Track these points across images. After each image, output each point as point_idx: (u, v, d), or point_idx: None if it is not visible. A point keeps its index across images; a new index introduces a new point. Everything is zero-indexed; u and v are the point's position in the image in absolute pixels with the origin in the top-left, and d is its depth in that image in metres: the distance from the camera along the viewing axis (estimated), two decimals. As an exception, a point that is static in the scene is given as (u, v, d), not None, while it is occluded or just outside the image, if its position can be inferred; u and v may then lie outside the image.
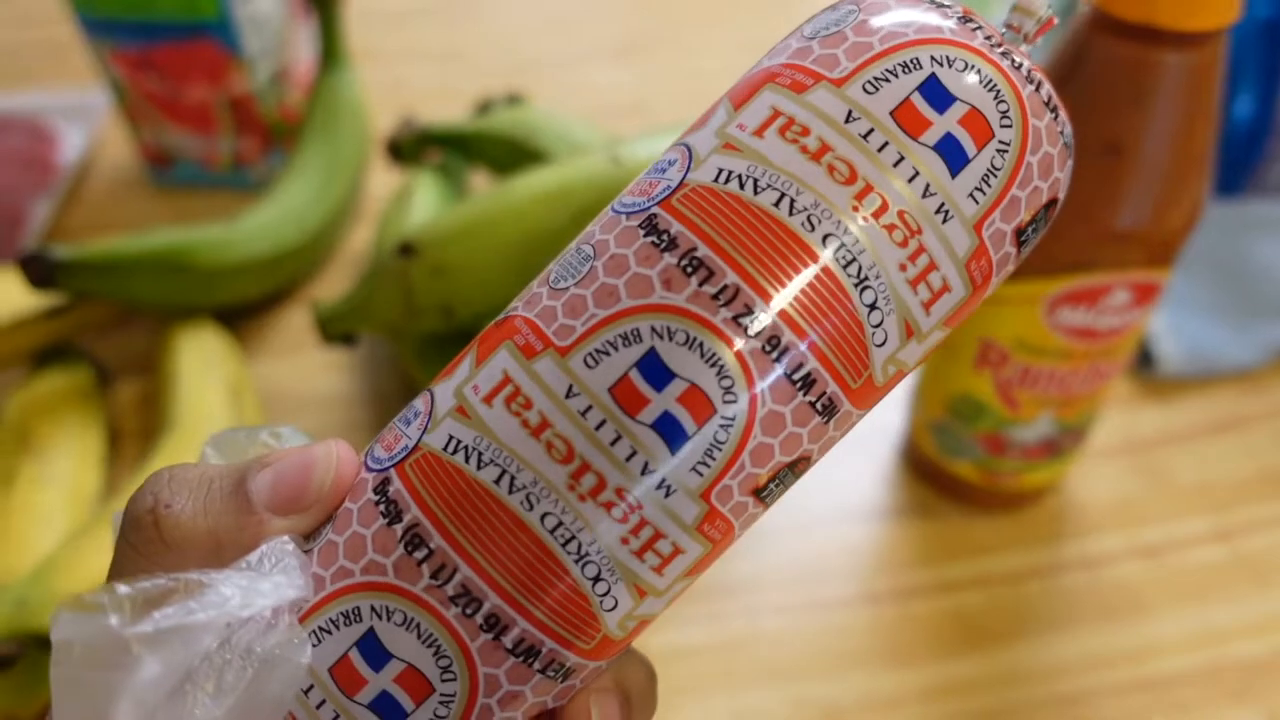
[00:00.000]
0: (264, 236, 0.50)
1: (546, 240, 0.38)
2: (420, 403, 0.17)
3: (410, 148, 0.55)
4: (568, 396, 0.15)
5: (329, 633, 0.16)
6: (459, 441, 0.16)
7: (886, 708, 0.36)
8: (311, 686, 0.16)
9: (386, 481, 0.16)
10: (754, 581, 0.40)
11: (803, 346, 0.16)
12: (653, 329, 0.15)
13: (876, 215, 0.16)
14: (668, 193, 0.16)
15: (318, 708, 0.16)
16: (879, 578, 0.40)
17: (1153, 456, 0.45)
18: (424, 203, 0.51)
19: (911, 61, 0.16)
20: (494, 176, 0.54)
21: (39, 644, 0.32)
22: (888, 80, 0.16)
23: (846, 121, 0.16)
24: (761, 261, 0.15)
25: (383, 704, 0.16)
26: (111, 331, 0.51)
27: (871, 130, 0.16)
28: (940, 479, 0.42)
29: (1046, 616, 0.39)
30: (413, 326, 0.39)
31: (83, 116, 0.67)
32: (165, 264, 0.44)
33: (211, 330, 0.47)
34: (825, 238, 0.16)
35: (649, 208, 0.16)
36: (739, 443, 0.16)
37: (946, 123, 0.16)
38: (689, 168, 0.16)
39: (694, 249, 0.16)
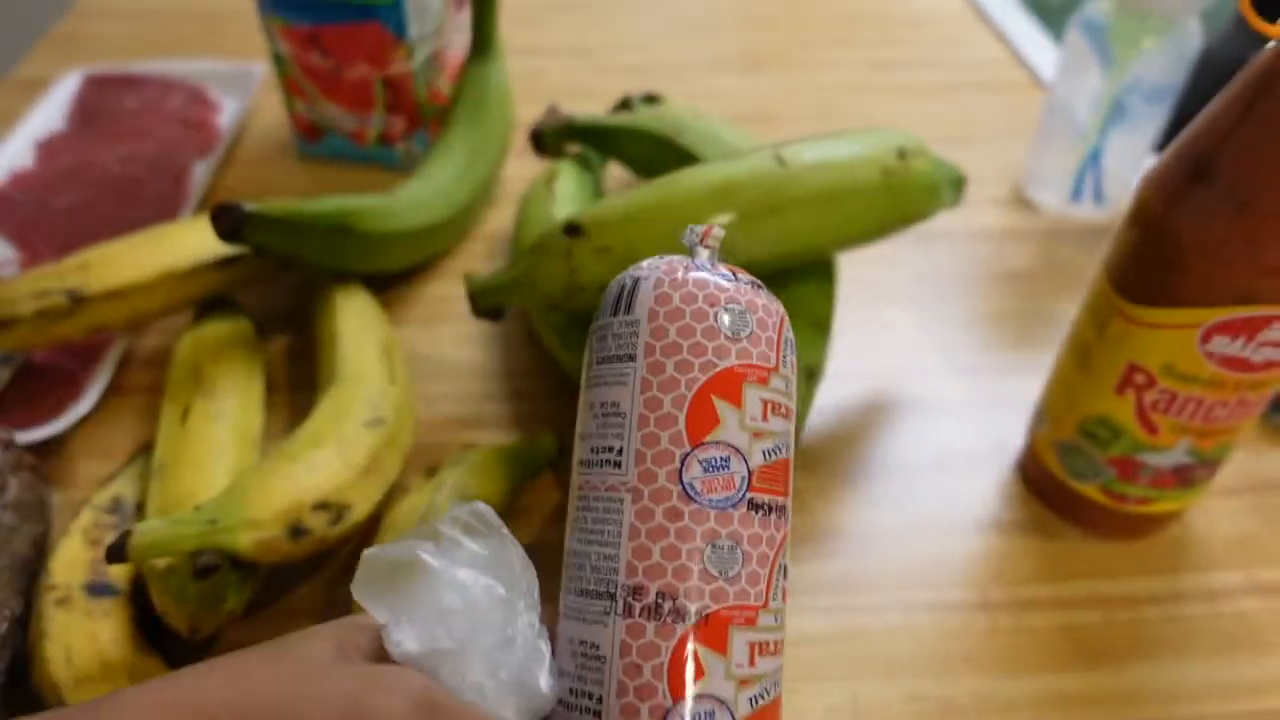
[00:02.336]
0: (418, 209, 0.52)
1: (706, 232, 0.39)
2: (701, 709, 0.22)
3: (552, 138, 0.57)
4: (777, 620, 0.25)
5: None
6: (755, 696, 0.23)
7: (999, 711, 0.37)
8: None
9: None
10: (875, 580, 0.41)
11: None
12: (783, 554, 0.25)
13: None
14: (746, 483, 0.24)
15: None
16: (995, 588, 0.41)
17: (1277, 499, 0.45)
18: (566, 191, 0.54)
19: (788, 339, 0.26)
20: (631, 172, 0.56)
21: (232, 562, 0.34)
22: (787, 353, 0.26)
23: (786, 387, 0.26)
24: (789, 483, 0.26)
25: None
26: (261, 287, 0.55)
27: (789, 383, 0.26)
28: (1062, 499, 0.43)
29: (1163, 642, 0.39)
30: (570, 304, 0.41)
31: (239, 86, 0.71)
32: (335, 226, 0.47)
33: (365, 294, 0.50)
34: (794, 445, 0.26)
35: (744, 496, 0.24)
36: None
37: (794, 355, 0.27)
38: (747, 461, 0.24)
39: (775, 503, 0.25)
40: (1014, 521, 0.44)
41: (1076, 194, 0.61)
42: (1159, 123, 0.59)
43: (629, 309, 0.25)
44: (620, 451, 0.24)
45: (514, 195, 0.63)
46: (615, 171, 0.65)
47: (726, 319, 0.24)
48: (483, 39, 0.62)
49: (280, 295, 0.54)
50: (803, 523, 0.44)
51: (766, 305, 0.25)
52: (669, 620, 0.22)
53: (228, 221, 0.44)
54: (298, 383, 0.50)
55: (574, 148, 0.58)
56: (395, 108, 0.62)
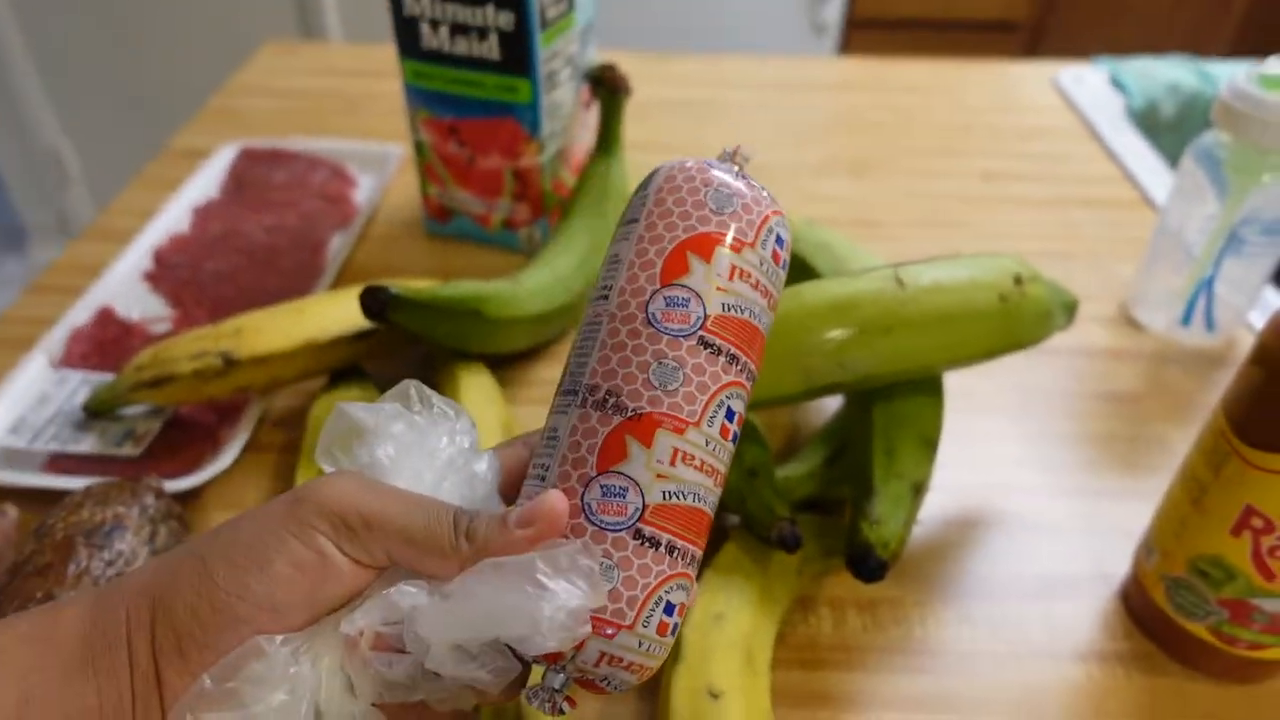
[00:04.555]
0: (539, 296, 0.55)
1: (824, 344, 0.41)
2: (615, 483, 0.27)
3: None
4: (708, 445, 0.28)
5: (651, 614, 0.26)
6: (669, 491, 0.27)
7: None
8: (644, 644, 0.27)
9: (638, 531, 0.27)
10: (970, 703, 0.41)
11: (756, 371, 0.30)
12: (726, 395, 0.28)
13: (772, 307, 0.30)
14: (701, 322, 0.28)
15: (648, 650, 0.27)
16: (1096, 722, 0.40)
17: (1399, 654, 0.43)
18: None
19: (772, 231, 0.30)
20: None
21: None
22: (768, 240, 0.30)
23: (761, 266, 0.29)
24: (751, 347, 0.29)
25: (674, 629, 0.27)
26: (388, 358, 0.58)
27: (768, 268, 0.30)
28: (1169, 635, 0.42)
29: (1277, 798, 0.38)
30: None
31: (375, 165, 0.77)
32: (466, 310, 0.50)
33: (486, 373, 0.53)
34: (764, 324, 0.30)
35: (697, 332, 0.28)
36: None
37: (785, 256, 0.31)
38: (705, 305, 0.28)
39: (728, 350, 0.28)
40: (1116, 653, 0.43)
41: (1186, 319, 0.61)
42: (1276, 254, 0.58)
43: (644, 188, 0.30)
44: (610, 289, 0.29)
45: (625, 284, 0.66)
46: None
47: (713, 195, 0.29)
48: (608, 137, 0.65)
49: (405, 367, 0.58)
50: (897, 636, 0.44)
51: (757, 199, 0.30)
52: (610, 412, 0.27)
53: (375, 302, 0.47)
54: (415, 452, 0.53)
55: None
56: (521, 196, 0.66)
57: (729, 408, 0.28)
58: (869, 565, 0.39)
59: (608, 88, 0.65)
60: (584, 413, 0.27)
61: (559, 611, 0.24)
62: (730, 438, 0.28)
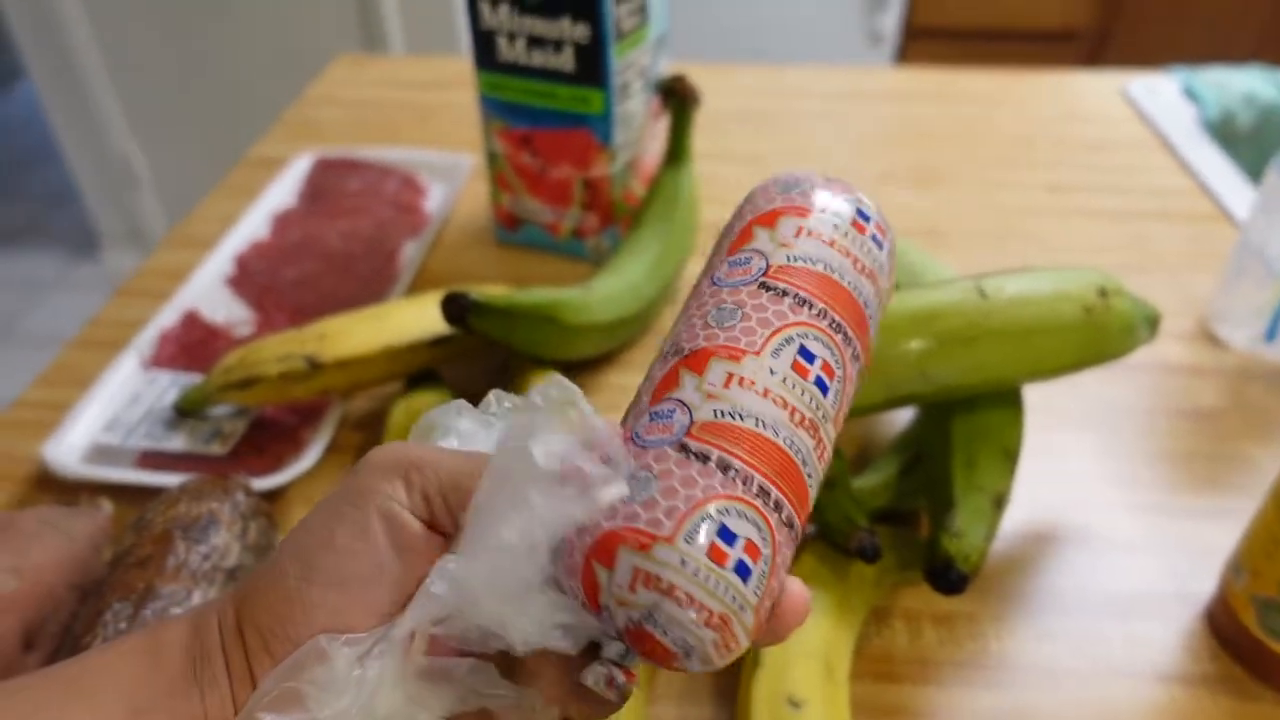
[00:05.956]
0: (611, 303, 0.56)
1: (905, 354, 0.41)
2: (664, 407, 0.26)
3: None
4: (773, 374, 0.26)
5: (696, 532, 0.24)
6: (721, 410, 0.25)
7: None
8: (688, 564, 0.24)
9: (683, 445, 0.25)
10: (1049, 719, 0.41)
11: (850, 331, 0.28)
12: (796, 333, 0.27)
13: (862, 271, 0.29)
14: (763, 272, 0.28)
15: (697, 575, 0.23)
16: (1182, 744, 0.40)
17: None
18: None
19: (845, 203, 0.30)
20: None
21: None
22: (840, 210, 0.29)
23: (837, 228, 0.29)
24: (831, 298, 0.28)
25: (739, 568, 0.24)
26: (461, 364, 0.59)
27: (847, 232, 0.29)
28: (1259, 658, 0.41)
29: (1375, 829, 0.37)
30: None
31: (446, 174, 0.78)
32: (542, 316, 0.51)
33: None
34: (849, 282, 0.28)
35: (758, 280, 0.27)
36: (847, 391, 0.28)
37: (871, 229, 0.30)
38: (768, 260, 0.28)
39: (793, 292, 0.27)
40: (1202, 676, 0.42)
41: (1271, 335, 0.59)
42: (1366, 270, 0.57)
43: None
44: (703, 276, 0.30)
45: (692, 293, 0.66)
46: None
47: (779, 184, 0.30)
48: (677, 148, 0.66)
49: (480, 372, 0.59)
50: (974, 650, 0.43)
51: (826, 182, 0.30)
52: (670, 357, 0.27)
53: (456, 308, 0.48)
54: (488, 456, 0.54)
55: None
56: (591, 206, 0.67)
57: (803, 346, 0.26)
58: (950, 578, 0.39)
59: (679, 98, 0.66)
60: (651, 370, 0.27)
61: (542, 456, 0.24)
62: (811, 379, 0.26)
